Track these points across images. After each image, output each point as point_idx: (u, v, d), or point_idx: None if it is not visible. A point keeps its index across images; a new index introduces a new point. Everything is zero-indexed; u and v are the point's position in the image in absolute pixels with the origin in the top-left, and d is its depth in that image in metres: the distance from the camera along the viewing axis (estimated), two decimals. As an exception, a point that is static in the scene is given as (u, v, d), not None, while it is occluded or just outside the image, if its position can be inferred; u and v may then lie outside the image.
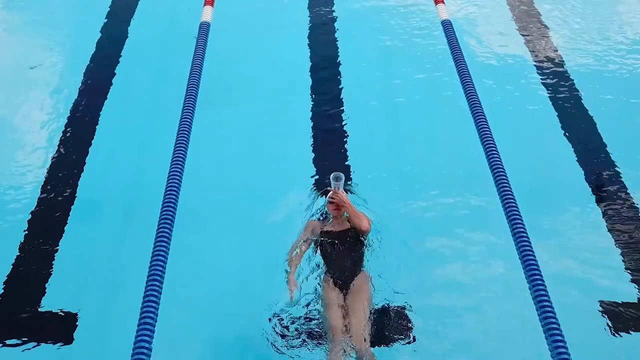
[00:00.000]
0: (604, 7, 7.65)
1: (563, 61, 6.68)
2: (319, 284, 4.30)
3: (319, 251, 4.47)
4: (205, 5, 6.06)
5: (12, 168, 5.38)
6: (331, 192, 4.47)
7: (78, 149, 5.56)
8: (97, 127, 5.74)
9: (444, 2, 6.46)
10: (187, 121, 4.75)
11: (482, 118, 4.82)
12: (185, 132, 4.64)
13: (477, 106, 4.95)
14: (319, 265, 4.41)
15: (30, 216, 4.91)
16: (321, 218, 4.73)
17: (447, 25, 6.10)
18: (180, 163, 4.35)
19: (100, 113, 5.89)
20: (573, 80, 6.40)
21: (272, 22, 7.19)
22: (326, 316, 4.07)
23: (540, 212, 4.85)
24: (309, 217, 4.79)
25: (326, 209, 4.65)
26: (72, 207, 5.00)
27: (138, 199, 5.09)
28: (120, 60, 6.60)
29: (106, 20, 7.17)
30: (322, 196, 4.94)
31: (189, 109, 4.87)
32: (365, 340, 3.94)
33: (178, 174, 4.25)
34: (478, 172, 4.74)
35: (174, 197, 4.06)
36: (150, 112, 5.96)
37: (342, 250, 4.40)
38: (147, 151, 5.48)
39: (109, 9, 7.34)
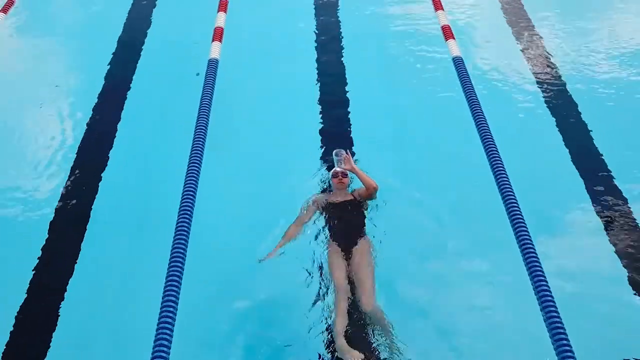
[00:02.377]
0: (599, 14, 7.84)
1: (558, 68, 6.76)
2: (324, 248, 4.57)
3: (324, 219, 4.78)
4: (213, 41, 5.97)
5: (22, 192, 5.28)
6: (338, 162, 4.90)
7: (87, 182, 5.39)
8: (104, 171, 5.49)
9: (454, 38, 6.28)
10: (197, 159, 4.58)
11: (491, 142, 4.84)
12: (195, 170, 4.47)
13: (488, 135, 4.92)
14: (323, 232, 4.70)
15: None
16: (325, 191, 5.09)
17: (458, 62, 5.91)
18: (191, 201, 4.18)
19: (109, 159, 5.61)
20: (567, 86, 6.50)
21: (278, 56, 6.99)
22: (332, 275, 4.36)
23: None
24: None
25: (330, 182, 5.03)
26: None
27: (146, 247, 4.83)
28: (128, 96, 6.38)
29: (113, 56, 6.99)
30: (327, 170, 5.28)
31: (198, 148, 4.70)
32: (372, 298, 4.18)
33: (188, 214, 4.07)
34: (478, 173, 4.88)
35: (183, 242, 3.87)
36: (157, 145, 5.76)
37: (345, 218, 4.74)
38: (155, 188, 5.29)
39: (115, 45, 7.17)
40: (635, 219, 4.93)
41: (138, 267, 4.58)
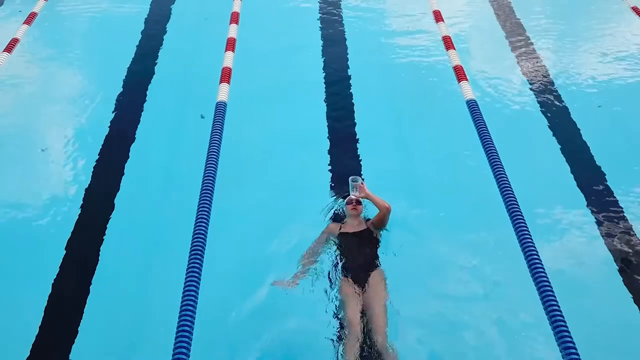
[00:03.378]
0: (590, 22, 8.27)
1: (550, 75, 7.07)
2: (336, 281, 4.45)
3: (337, 250, 4.65)
4: (221, 83, 5.75)
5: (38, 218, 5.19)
6: (354, 188, 4.85)
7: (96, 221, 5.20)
8: (109, 220, 5.23)
9: (467, 80, 6.09)
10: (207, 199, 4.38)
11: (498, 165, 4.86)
12: (206, 211, 4.26)
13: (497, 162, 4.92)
14: (336, 264, 4.57)
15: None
16: (338, 219, 5.02)
17: (472, 105, 5.70)
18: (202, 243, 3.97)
19: (114, 206, 5.35)
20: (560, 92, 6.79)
21: (286, 93, 6.81)
22: (345, 310, 4.20)
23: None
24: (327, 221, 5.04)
25: (344, 209, 4.99)
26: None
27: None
28: (136, 136, 6.15)
29: (121, 97, 6.75)
30: (340, 199, 5.22)
31: (209, 188, 4.48)
32: (385, 334, 4.04)
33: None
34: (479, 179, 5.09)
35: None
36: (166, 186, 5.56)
37: (359, 249, 4.61)
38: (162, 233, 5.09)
39: (121, 88, 6.90)
40: (628, 221, 5.13)
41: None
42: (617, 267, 4.72)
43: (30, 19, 7.44)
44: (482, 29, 8.37)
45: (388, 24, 8.23)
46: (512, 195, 4.45)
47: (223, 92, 5.60)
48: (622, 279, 4.62)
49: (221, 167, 4.86)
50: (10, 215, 5.31)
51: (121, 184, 5.54)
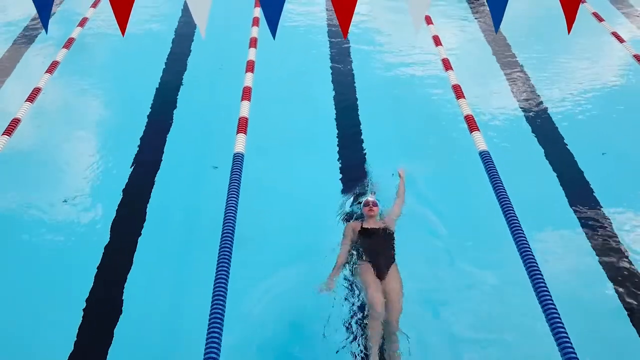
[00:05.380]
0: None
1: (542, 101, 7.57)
2: (356, 272, 4.87)
3: (360, 245, 5.06)
4: (238, 133, 5.67)
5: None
6: (371, 192, 5.59)
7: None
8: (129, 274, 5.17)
9: (479, 130, 5.99)
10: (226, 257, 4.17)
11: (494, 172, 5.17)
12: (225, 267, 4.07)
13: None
14: (360, 257, 4.98)
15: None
16: (359, 218, 5.44)
17: (485, 157, 5.58)
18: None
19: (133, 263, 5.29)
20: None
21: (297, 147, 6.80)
22: (369, 295, 4.62)
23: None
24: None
25: (362, 211, 5.42)
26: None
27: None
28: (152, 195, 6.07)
29: (137, 151, 6.69)
30: (356, 203, 5.69)
31: (227, 248, 4.28)
32: (399, 317, 4.49)
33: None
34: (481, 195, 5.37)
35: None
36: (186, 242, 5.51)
37: (380, 244, 5.05)
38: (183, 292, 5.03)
39: (137, 148, 6.81)
40: (614, 231, 5.54)
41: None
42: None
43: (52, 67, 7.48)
44: (475, 55, 8.85)
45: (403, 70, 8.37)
46: (512, 212, 4.62)
47: (240, 143, 5.52)
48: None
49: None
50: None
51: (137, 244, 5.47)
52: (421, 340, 4.48)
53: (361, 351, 4.33)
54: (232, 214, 4.49)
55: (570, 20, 4.77)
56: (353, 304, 4.70)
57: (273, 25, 4.01)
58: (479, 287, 5.04)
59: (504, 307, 4.88)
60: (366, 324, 4.50)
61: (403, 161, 6.37)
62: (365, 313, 4.57)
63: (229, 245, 4.24)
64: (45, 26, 4.11)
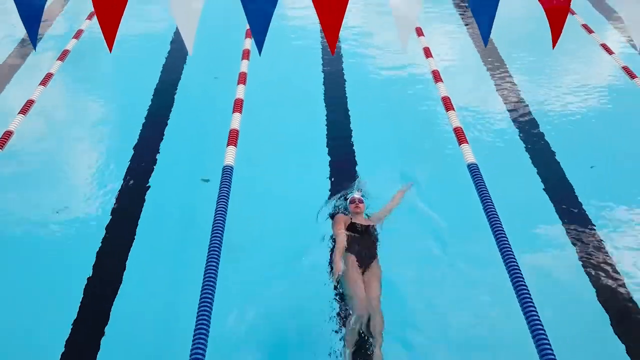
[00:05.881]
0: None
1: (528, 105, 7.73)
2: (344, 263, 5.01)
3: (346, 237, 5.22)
4: (228, 145, 5.65)
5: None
6: (357, 189, 5.72)
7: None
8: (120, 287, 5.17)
9: (467, 142, 5.98)
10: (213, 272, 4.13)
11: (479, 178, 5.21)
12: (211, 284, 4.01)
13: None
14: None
15: None
16: (345, 213, 5.59)
17: (473, 169, 5.56)
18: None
19: (124, 274, 5.30)
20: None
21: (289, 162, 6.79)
22: (351, 288, 4.82)
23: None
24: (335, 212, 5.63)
25: (348, 208, 5.59)
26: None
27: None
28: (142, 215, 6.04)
29: (129, 167, 6.66)
30: (342, 198, 5.84)
31: (214, 261, 4.26)
32: (378, 305, 4.71)
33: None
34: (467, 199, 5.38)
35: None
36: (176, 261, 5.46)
37: (364, 240, 5.24)
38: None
39: (129, 162, 6.80)
40: (598, 235, 5.66)
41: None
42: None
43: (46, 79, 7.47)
44: (466, 65, 8.91)
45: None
46: (497, 219, 4.64)
47: (230, 155, 5.49)
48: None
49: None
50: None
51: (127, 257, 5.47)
52: (405, 341, 4.61)
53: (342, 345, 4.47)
54: (220, 226, 4.47)
55: (555, 35, 4.78)
56: (338, 300, 4.84)
57: (259, 43, 4.02)
58: (468, 292, 5.12)
59: (491, 313, 4.94)
60: (348, 315, 4.65)
61: (397, 164, 6.53)
62: (348, 306, 4.72)
63: (216, 257, 4.22)
64: (33, 43, 4.11)
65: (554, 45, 4.79)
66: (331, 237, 5.42)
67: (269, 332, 4.76)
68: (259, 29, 3.97)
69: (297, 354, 4.63)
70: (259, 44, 4.03)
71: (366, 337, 4.54)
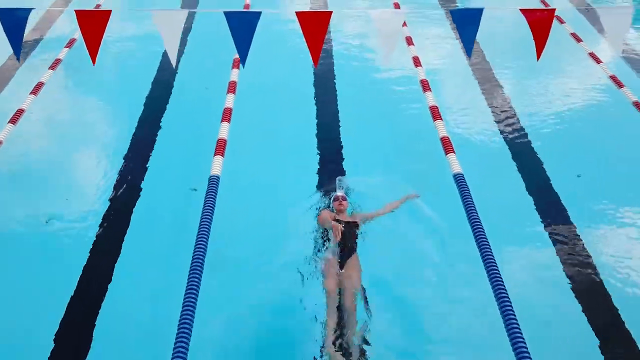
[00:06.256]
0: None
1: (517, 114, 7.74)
2: (320, 260, 5.25)
3: (327, 234, 5.42)
4: (215, 155, 5.64)
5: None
6: (339, 187, 5.81)
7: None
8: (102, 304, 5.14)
9: (454, 152, 5.98)
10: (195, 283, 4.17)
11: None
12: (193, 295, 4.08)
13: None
14: (324, 245, 5.36)
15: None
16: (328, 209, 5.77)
17: (459, 179, 5.56)
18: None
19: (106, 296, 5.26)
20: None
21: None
22: (326, 283, 4.99)
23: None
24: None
25: (331, 205, 5.73)
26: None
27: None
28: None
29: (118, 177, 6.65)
30: (326, 195, 6.01)
31: (197, 270, 4.28)
32: (354, 299, 4.86)
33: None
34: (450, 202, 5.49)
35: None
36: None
37: (346, 236, 5.34)
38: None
39: (118, 175, 6.76)
40: (582, 241, 5.73)
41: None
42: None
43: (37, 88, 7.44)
44: (455, 72, 8.93)
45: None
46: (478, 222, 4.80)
47: (217, 165, 5.48)
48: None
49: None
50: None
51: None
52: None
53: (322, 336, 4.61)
54: (204, 238, 4.47)
55: (539, 48, 4.80)
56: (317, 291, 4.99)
57: (243, 57, 4.03)
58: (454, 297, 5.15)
59: (473, 319, 4.96)
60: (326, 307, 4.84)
61: (388, 167, 6.61)
62: (325, 299, 4.90)
63: (199, 268, 4.23)
64: (17, 53, 4.11)
65: (538, 58, 4.81)
66: (316, 231, 5.55)
67: (253, 330, 4.82)
68: (242, 45, 3.98)
69: (280, 351, 4.68)
70: (242, 58, 4.04)
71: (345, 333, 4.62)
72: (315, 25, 4.04)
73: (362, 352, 4.53)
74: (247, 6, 9.49)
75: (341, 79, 8.46)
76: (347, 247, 5.30)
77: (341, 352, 4.46)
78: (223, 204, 5.21)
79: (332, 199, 5.78)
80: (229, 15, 3.90)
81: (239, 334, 4.81)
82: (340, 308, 4.84)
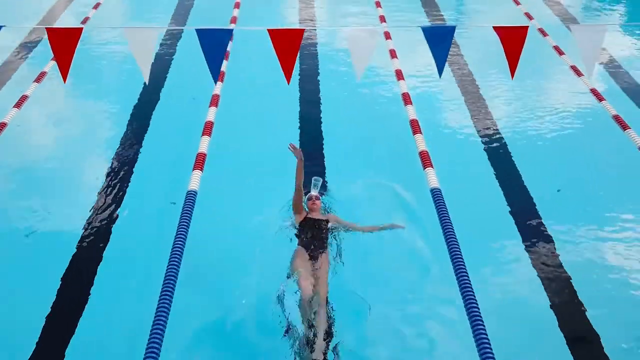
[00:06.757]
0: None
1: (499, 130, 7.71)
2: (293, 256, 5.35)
3: (300, 230, 5.59)
4: (194, 170, 5.60)
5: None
6: (314, 187, 5.88)
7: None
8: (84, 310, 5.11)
9: (432, 167, 5.94)
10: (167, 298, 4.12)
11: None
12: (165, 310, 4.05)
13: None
14: (297, 241, 5.49)
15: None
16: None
17: (436, 193, 5.53)
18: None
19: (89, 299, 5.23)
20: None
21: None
22: (299, 280, 5.06)
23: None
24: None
25: (306, 204, 5.85)
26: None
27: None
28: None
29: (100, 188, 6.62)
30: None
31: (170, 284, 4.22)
32: (326, 294, 4.98)
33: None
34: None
35: None
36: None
37: (317, 233, 5.50)
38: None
39: (105, 178, 6.77)
40: (555, 248, 5.77)
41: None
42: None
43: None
44: (437, 85, 8.78)
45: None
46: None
47: (195, 180, 5.43)
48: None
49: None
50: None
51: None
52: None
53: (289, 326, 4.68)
54: (178, 253, 4.43)
55: (513, 66, 4.78)
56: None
57: (214, 74, 4.00)
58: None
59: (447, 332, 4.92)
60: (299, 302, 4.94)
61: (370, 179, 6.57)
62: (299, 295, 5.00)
63: (171, 285, 4.18)
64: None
65: (512, 76, 4.79)
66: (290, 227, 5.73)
67: (228, 330, 4.85)
68: (213, 62, 3.95)
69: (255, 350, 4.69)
70: (214, 76, 4.01)
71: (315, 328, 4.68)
72: (287, 43, 4.02)
73: (331, 347, 4.56)
74: (234, 19, 9.48)
75: (326, 93, 8.45)
76: (318, 244, 5.39)
77: (310, 349, 4.50)
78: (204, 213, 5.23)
79: (306, 198, 5.87)
80: (200, 33, 3.87)
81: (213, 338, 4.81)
82: (312, 302, 4.92)
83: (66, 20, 10.58)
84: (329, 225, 5.67)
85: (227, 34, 3.93)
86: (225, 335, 4.86)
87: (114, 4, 11.60)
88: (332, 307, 4.90)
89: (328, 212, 5.98)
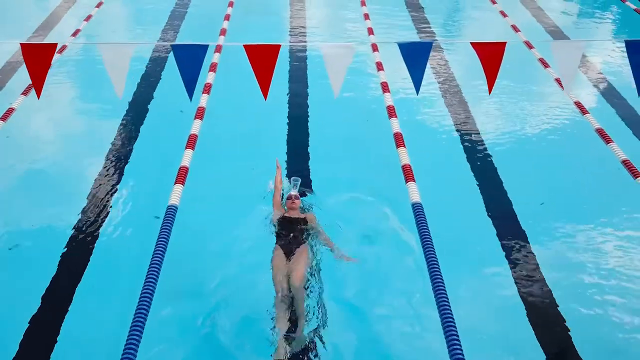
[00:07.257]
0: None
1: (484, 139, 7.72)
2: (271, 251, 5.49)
3: (277, 228, 5.74)
4: (175, 183, 5.51)
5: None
6: (293, 186, 6.04)
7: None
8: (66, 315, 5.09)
9: (414, 180, 5.86)
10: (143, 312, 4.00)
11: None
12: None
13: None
14: (275, 237, 5.63)
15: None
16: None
17: (417, 208, 5.45)
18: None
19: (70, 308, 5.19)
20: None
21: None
22: (274, 278, 5.20)
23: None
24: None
25: (285, 203, 5.99)
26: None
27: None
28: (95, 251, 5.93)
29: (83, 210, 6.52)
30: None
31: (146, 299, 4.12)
32: (300, 283, 5.10)
33: None
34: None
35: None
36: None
37: (294, 231, 5.64)
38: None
39: (90, 190, 6.74)
40: (535, 258, 5.79)
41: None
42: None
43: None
44: (422, 97, 8.67)
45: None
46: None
47: (176, 195, 5.34)
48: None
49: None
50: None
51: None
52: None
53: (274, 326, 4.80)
54: (155, 270, 4.32)
55: (490, 82, 4.75)
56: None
57: (190, 90, 3.95)
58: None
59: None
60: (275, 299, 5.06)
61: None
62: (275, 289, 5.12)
63: (147, 302, 4.10)
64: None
65: (490, 91, 4.76)
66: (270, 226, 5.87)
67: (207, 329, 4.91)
68: (188, 77, 3.90)
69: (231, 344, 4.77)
70: (190, 91, 3.97)
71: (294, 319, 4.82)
72: (264, 59, 3.98)
73: (312, 345, 4.63)
74: (223, 31, 9.44)
75: (313, 107, 8.41)
76: (295, 241, 5.54)
77: (288, 343, 4.55)
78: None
79: (286, 197, 6.02)
80: (175, 48, 3.82)
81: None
82: (289, 297, 5.05)
83: (62, 30, 10.58)
84: (308, 225, 5.79)
85: (203, 50, 3.89)
86: (211, 331, 4.91)
87: (104, 17, 11.57)
88: (308, 295, 5.05)
89: (306, 211, 6.09)
